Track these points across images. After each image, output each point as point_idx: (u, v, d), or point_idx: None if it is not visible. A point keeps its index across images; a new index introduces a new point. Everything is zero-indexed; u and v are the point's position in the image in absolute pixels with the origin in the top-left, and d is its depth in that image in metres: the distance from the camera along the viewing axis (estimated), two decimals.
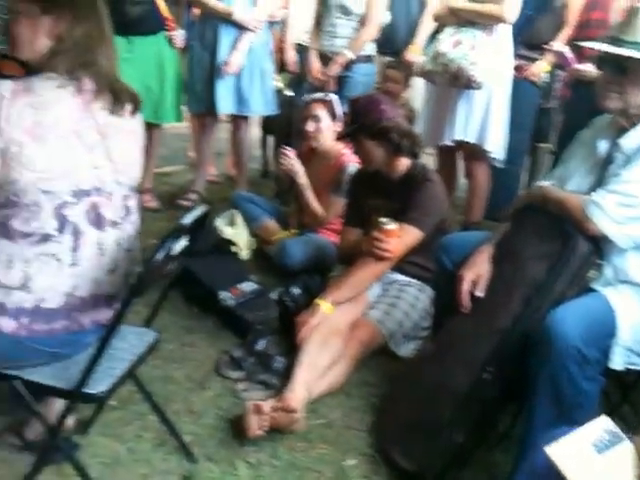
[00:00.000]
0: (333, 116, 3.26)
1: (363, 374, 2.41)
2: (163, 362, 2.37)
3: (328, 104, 3.26)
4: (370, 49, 3.91)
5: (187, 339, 2.60)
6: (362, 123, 2.52)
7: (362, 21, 3.77)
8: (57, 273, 1.58)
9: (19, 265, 1.55)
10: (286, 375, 2.26)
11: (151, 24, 3.54)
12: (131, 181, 1.72)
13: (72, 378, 1.61)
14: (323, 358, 2.28)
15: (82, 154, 1.57)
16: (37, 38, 1.57)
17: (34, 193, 1.52)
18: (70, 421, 1.88)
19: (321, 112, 3.23)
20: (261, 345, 2.44)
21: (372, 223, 2.43)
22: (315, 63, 3.90)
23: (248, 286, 2.82)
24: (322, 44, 3.89)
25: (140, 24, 3.48)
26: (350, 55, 3.78)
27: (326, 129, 3.24)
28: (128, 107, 1.67)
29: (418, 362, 2.26)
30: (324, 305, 2.40)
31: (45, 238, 1.55)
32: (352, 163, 3.07)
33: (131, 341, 1.82)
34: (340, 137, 2.98)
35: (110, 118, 1.63)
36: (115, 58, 1.68)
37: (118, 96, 1.63)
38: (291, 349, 2.39)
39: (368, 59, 3.91)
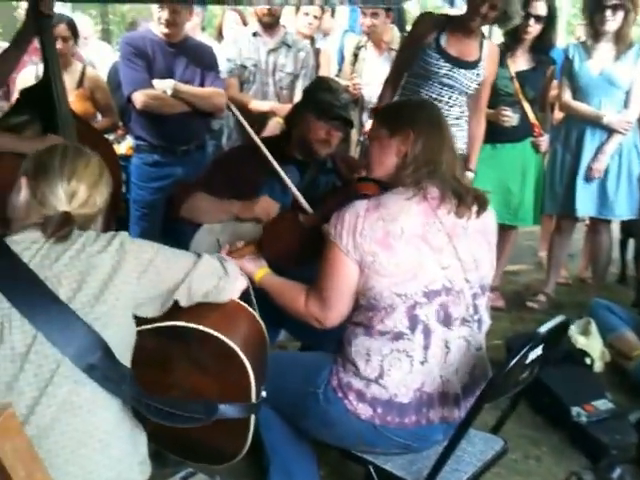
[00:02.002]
0: None
1: None
2: (506, 472, 2.27)
3: None
4: None
5: (532, 452, 2.46)
6: None
7: None
8: (409, 369, 1.65)
9: (376, 359, 1.66)
10: None
11: (519, 132, 3.59)
12: (481, 280, 1.73)
13: (420, 473, 1.64)
14: None
15: (430, 256, 1.64)
16: (387, 158, 1.75)
17: (389, 297, 1.63)
18: None
19: None
20: (617, 474, 2.18)
21: None
22: None
23: (603, 404, 2.56)
24: None
25: (509, 133, 3.55)
26: None
27: None
28: (474, 208, 1.70)
29: None
30: None
31: (398, 336, 1.65)
32: None
33: (478, 446, 1.80)
34: None
35: (456, 220, 1.68)
36: (457, 162, 1.76)
37: (463, 199, 1.69)
38: None
39: None
